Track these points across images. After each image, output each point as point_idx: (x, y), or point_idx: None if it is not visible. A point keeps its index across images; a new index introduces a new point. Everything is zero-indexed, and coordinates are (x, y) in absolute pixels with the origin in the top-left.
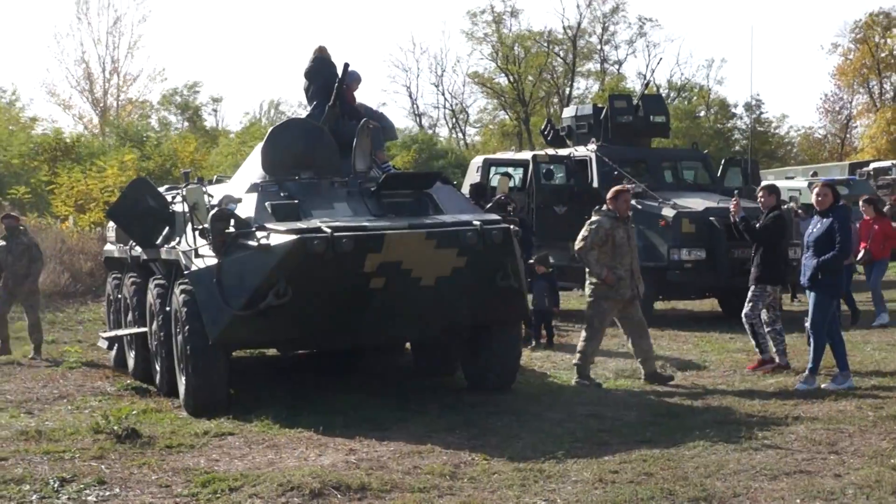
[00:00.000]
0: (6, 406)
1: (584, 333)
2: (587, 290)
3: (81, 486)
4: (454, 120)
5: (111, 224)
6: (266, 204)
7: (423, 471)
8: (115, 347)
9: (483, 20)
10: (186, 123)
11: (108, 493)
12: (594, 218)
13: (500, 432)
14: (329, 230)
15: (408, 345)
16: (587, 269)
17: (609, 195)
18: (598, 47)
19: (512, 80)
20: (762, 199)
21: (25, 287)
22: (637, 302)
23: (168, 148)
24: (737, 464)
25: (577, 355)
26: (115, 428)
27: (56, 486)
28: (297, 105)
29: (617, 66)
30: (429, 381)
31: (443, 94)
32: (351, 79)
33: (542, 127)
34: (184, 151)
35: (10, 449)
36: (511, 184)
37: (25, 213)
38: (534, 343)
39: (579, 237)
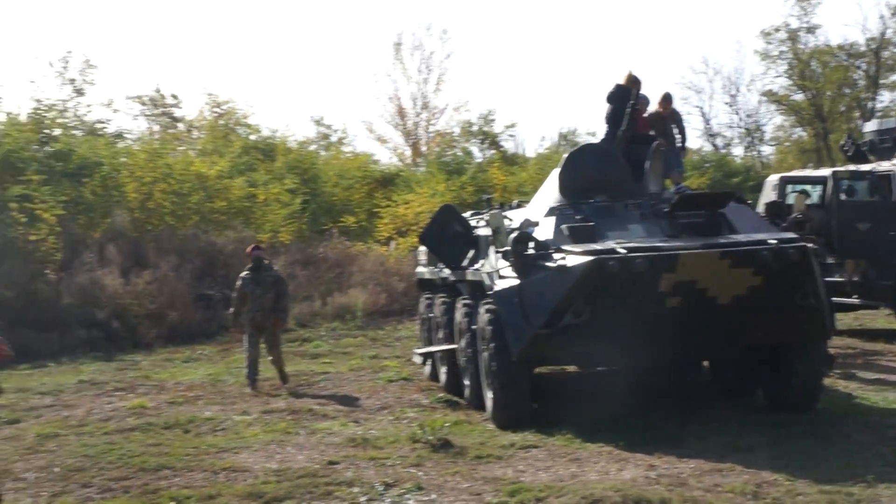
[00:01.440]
0: (337, 415)
1: None
2: None
3: (402, 490)
4: (749, 139)
5: (422, 248)
6: (563, 227)
7: (724, 489)
8: (428, 363)
9: (777, 38)
10: (490, 151)
11: (425, 499)
12: None
13: (803, 453)
14: (624, 251)
15: (706, 363)
16: None
17: None
18: None
19: (809, 96)
20: None
21: (280, 324)
22: None
23: (477, 175)
24: None
25: None
26: (431, 438)
27: (381, 490)
28: (584, 133)
29: None
30: (728, 400)
31: (737, 114)
32: (642, 102)
33: (842, 142)
34: (493, 178)
35: (341, 454)
36: (808, 201)
37: (352, 241)
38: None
39: None
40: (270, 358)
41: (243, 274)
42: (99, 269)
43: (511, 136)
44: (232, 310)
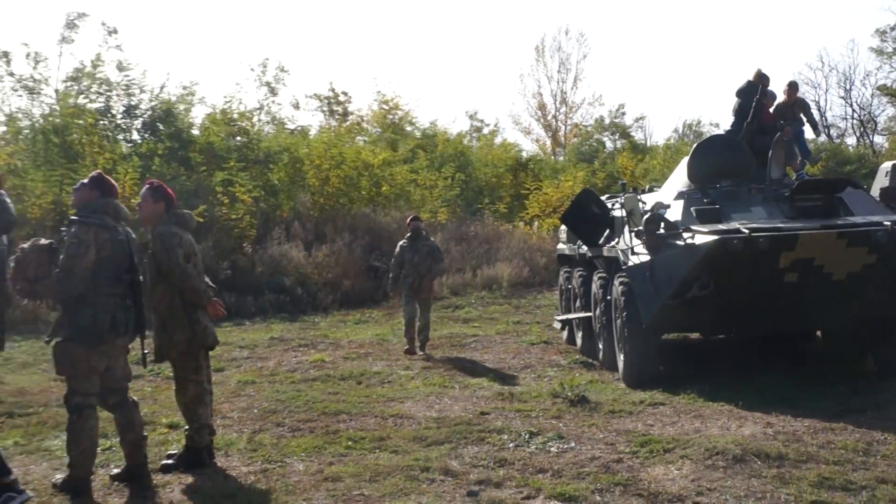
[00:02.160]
0: (486, 372)
1: None
2: None
3: (546, 438)
4: (862, 129)
5: (563, 227)
6: (691, 209)
7: (837, 446)
8: (566, 328)
9: (892, 37)
10: (620, 141)
11: (565, 446)
12: None
13: None
14: (747, 231)
15: (818, 332)
16: None
17: None
18: None
19: None
20: None
21: (427, 283)
22: None
23: (612, 165)
24: None
25: None
26: (569, 394)
27: (526, 437)
28: (707, 124)
29: None
30: (839, 365)
31: (850, 106)
32: (769, 97)
33: None
34: (625, 166)
35: (491, 406)
36: None
37: (499, 221)
38: None
39: None
40: (419, 324)
41: (402, 242)
42: (286, 244)
43: (640, 126)
44: (391, 275)
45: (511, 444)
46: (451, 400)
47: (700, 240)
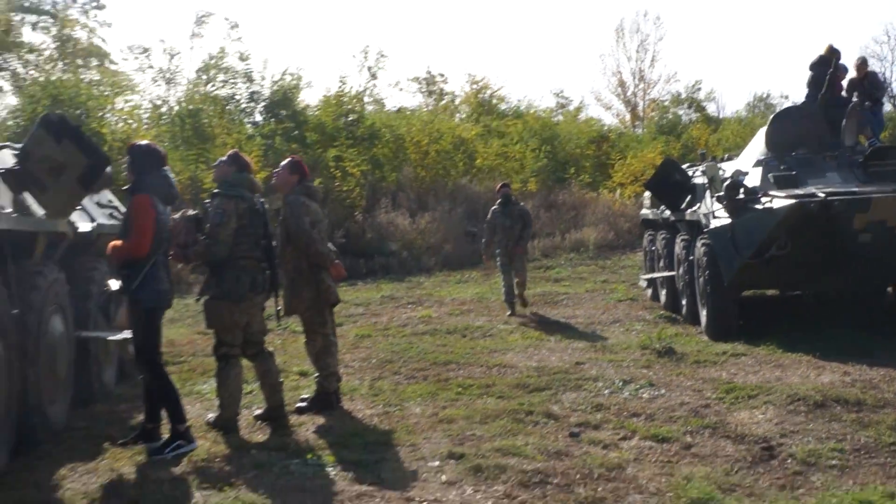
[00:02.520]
0: (578, 326)
1: None
2: None
3: (637, 385)
4: None
5: (647, 193)
6: (769, 175)
7: None
8: (651, 286)
9: None
10: (694, 115)
11: (656, 393)
12: None
13: None
14: (823, 195)
15: (890, 288)
16: None
17: None
18: None
19: None
20: None
21: (519, 249)
22: None
23: (687, 136)
24: None
25: None
26: (657, 346)
27: (620, 384)
28: (777, 96)
29: None
30: None
31: None
32: (840, 70)
33: None
34: (699, 137)
35: (585, 357)
36: None
37: (585, 190)
38: None
39: None
40: (517, 280)
41: (494, 208)
42: (392, 212)
43: (711, 100)
44: (484, 239)
45: (606, 391)
46: (548, 351)
47: (778, 203)
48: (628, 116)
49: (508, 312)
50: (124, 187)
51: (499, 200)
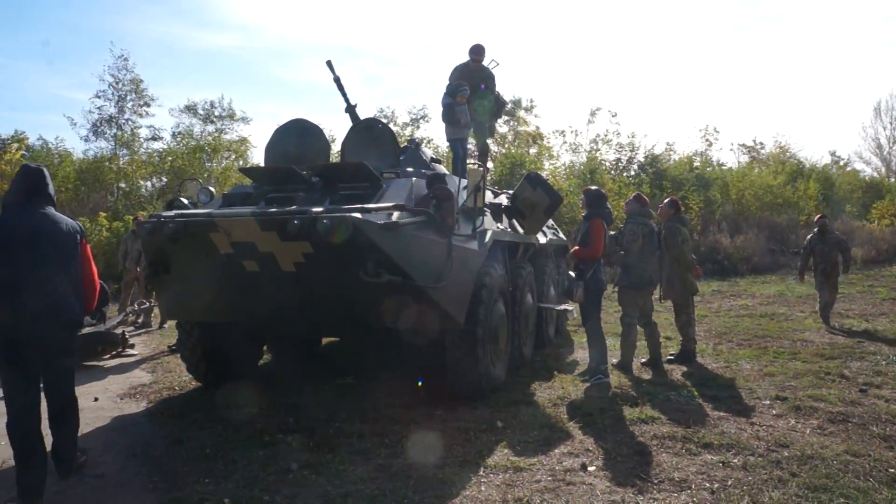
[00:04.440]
0: (855, 316)
1: None
2: None
3: None
4: None
5: None
6: None
7: None
8: None
9: None
10: None
11: None
12: None
13: None
14: None
15: None
16: None
17: None
18: None
19: None
20: None
21: (834, 271)
22: None
23: None
24: None
25: None
26: None
27: (893, 357)
28: None
29: None
30: None
31: None
32: None
33: None
34: None
35: (864, 337)
36: None
37: (854, 220)
38: None
39: None
40: (828, 300)
41: (810, 236)
42: (718, 234)
43: None
44: (801, 262)
45: (883, 362)
46: (834, 333)
47: None
48: (883, 170)
49: (824, 325)
50: (583, 214)
51: (815, 230)
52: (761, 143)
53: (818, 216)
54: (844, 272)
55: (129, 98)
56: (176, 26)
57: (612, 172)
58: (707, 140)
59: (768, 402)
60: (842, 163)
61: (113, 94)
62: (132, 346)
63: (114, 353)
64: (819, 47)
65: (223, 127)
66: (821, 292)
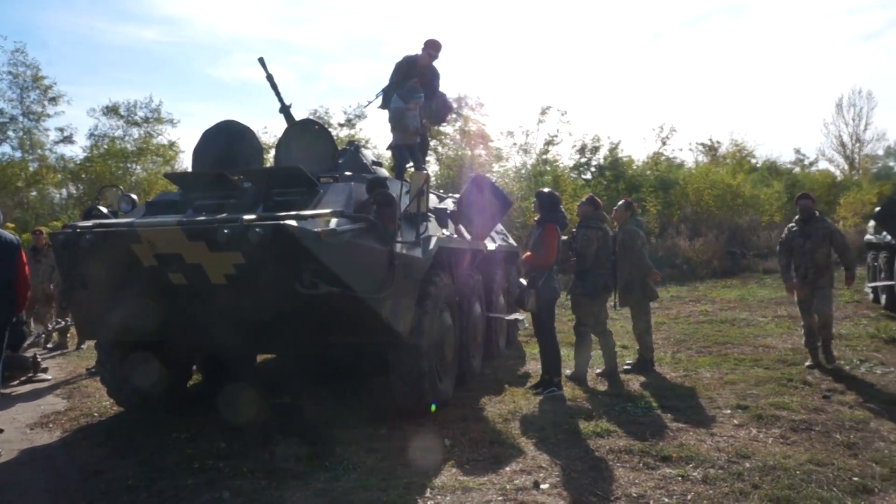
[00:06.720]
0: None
1: None
2: None
3: (871, 364)
4: None
5: (871, 223)
6: None
7: None
8: (873, 293)
9: None
10: None
11: (887, 370)
12: None
13: None
14: None
15: None
16: None
17: None
18: None
19: None
20: None
21: (822, 277)
22: None
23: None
24: None
25: None
26: (883, 335)
27: (856, 363)
28: None
29: None
30: None
31: None
32: None
33: None
34: None
35: None
36: None
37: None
38: None
39: None
40: (817, 322)
41: (790, 226)
42: (676, 237)
43: None
44: (781, 262)
45: (847, 367)
46: (798, 337)
47: None
48: (846, 167)
49: (808, 363)
50: (535, 218)
51: (796, 217)
52: (718, 142)
53: (799, 195)
54: (848, 282)
55: (30, 94)
56: (94, 18)
57: (572, 174)
58: (662, 140)
59: (729, 411)
60: (807, 161)
61: (15, 93)
62: (45, 370)
63: (24, 378)
64: (780, 40)
65: (149, 129)
66: (803, 314)
